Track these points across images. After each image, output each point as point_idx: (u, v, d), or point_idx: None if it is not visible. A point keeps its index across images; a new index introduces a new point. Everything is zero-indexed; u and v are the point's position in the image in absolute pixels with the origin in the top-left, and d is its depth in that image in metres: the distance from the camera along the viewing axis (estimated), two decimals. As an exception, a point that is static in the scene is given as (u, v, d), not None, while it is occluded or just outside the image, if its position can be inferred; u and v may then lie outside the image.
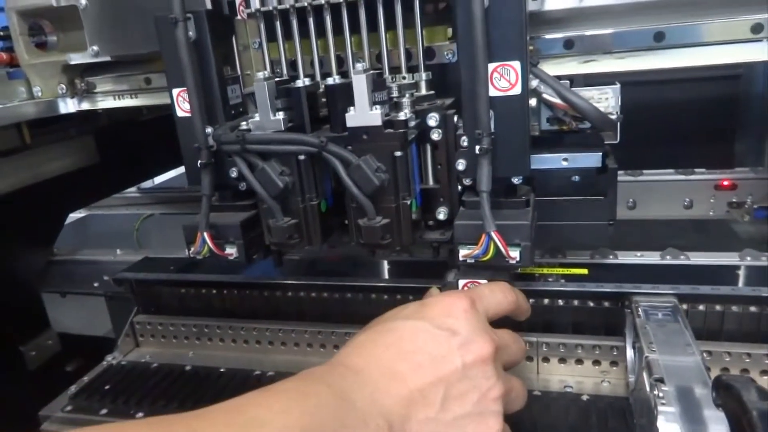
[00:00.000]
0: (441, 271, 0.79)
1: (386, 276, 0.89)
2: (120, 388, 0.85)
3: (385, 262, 0.92)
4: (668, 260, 0.82)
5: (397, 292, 0.85)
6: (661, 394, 0.53)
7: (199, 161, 0.67)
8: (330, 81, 0.64)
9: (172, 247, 1.07)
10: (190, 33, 0.65)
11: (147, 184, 1.74)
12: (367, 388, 0.49)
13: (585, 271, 0.80)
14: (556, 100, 0.66)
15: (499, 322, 0.60)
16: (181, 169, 1.74)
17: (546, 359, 0.77)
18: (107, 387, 0.85)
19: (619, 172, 0.71)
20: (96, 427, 0.43)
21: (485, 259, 0.60)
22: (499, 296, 0.60)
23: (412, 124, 0.62)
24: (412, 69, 0.68)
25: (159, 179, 1.82)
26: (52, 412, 0.82)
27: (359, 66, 0.59)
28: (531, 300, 0.78)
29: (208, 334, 0.93)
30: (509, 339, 0.59)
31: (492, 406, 0.52)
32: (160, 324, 0.95)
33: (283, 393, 0.48)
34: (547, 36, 0.72)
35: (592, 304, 0.77)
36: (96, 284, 1.11)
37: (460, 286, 0.67)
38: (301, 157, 0.64)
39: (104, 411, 0.81)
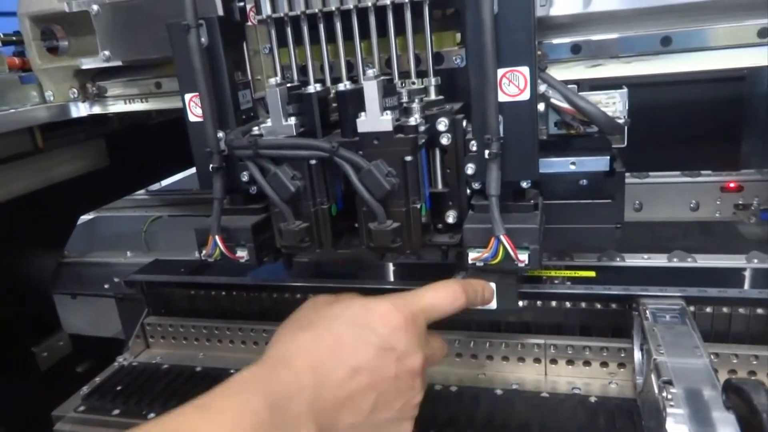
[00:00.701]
0: (448, 273, 0.79)
1: (394, 278, 0.90)
2: (132, 388, 0.86)
3: (392, 265, 0.93)
4: (675, 263, 0.83)
5: (405, 294, 0.85)
6: (669, 396, 0.53)
7: (211, 165, 0.68)
8: (341, 86, 0.65)
9: (179, 248, 1.08)
10: (203, 39, 0.66)
11: (154, 186, 1.75)
12: (304, 394, 0.50)
13: (593, 274, 0.80)
14: (564, 105, 0.66)
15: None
16: (188, 172, 1.76)
17: (554, 361, 0.78)
18: (119, 388, 0.86)
19: (626, 174, 0.71)
20: None
21: (494, 262, 0.61)
22: (447, 303, 0.60)
23: (422, 129, 0.63)
24: (421, 74, 0.68)
25: (165, 181, 1.83)
26: (65, 413, 0.83)
27: (370, 72, 0.60)
28: (538, 302, 0.79)
29: (218, 335, 0.94)
30: (437, 345, 0.61)
31: (411, 412, 0.56)
32: (170, 325, 0.96)
33: (220, 413, 0.46)
34: (555, 41, 0.73)
35: (599, 306, 0.77)
36: (106, 286, 1.13)
37: None
38: (313, 162, 0.65)
39: (116, 411, 0.82)
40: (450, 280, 0.63)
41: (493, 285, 0.66)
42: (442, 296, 0.60)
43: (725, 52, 0.68)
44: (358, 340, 0.54)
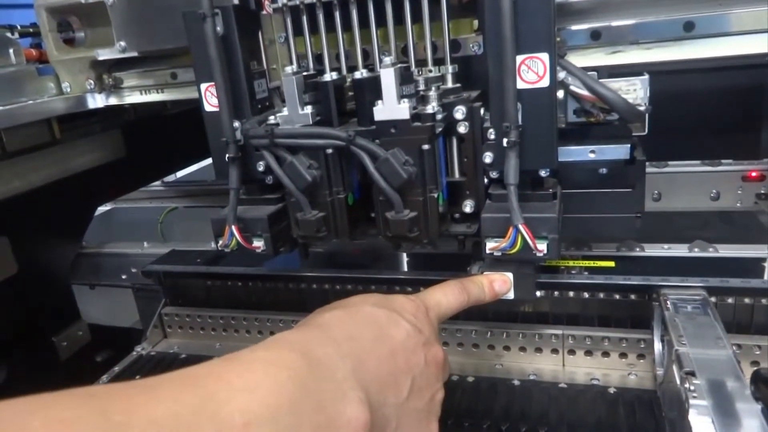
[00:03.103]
0: (464, 263, 0.79)
1: (410, 269, 0.90)
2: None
3: (407, 255, 0.93)
4: (696, 253, 0.81)
5: (421, 284, 0.85)
6: (692, 387, 0.53)
7: (227, 155, 0.68)
8: (357, 75, 0.64)
9: (195, 239, 1.08)
10: (218, 28, 0.66)
11: (169, 177, 1.76)
12: (348, 361, 0.46)
13: (612, 264, 0.79)
14: (584, 92, 0.65)
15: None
16: (203, 163, 1.76)
17: (572, 352, 0.77)
18: (138, 377, 0.87)
19: (645, 163, 0.70)
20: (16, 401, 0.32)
21: (512, 251, 0.60)
22: (452, 301, 0.62)
23: (439, 117, 0.62)
24: (438, 62, 0.68)
25: (181, 173, 1.84)
26: (85, 401, 0.84)
27: (387, 60, 0.59)
28: (556, 293, 0.78)
29: (235, 325, 0.94)
30: (448, 359, 0.60)
31: (436, 409, 0.54)
32: (187, 315, 0.97)
33: (249, 364, 0.41)
34: (573, 27, 0.71)
35: (618, 296, 0.76)
36: (124, 276, 1.14)
37: None
38: (329, 151, 0.65)
39: (135, 400, 0.82)
40: (450, 281, 0.64)
41: (509, 275, 0.65)
42: (446, 292, 0.62)
43: (750, 37, 0.66)
44: (390, 321, 0.52)
